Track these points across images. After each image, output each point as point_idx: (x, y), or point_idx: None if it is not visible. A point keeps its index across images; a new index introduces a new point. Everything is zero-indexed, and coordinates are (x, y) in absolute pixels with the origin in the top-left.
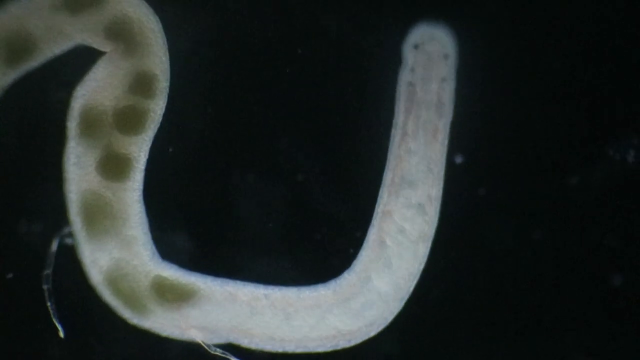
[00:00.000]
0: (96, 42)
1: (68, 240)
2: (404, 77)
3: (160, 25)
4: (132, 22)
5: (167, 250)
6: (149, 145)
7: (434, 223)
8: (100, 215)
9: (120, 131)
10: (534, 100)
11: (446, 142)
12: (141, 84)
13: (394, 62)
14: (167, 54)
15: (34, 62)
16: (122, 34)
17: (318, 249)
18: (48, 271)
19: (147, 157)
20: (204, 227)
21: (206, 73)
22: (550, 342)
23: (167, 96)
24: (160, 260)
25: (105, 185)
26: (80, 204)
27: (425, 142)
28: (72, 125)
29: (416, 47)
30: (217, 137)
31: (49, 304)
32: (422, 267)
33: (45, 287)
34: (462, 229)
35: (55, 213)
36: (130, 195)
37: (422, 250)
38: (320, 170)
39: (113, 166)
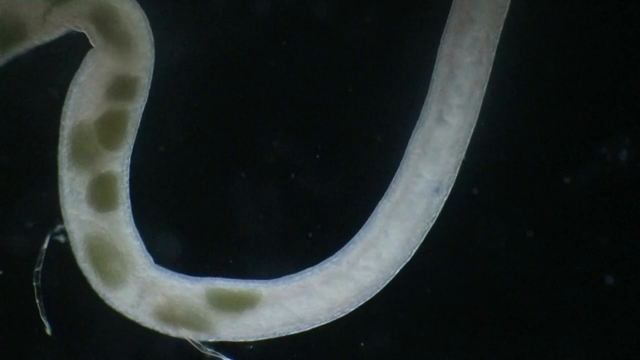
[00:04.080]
0: (86, 30)
1: (60, 238)
2: None
3: (147, 21)
4: (118, 13)
5: (161, 254)
6: (130, 157)
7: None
8: (109, 261)
9: (104, 144)
10: (527, 100)
11: None
12: (122, 86)
13: None
14: (153, 51)
15: (21, 48)
16: (108, 24)
17: (315, 246)
18: (38, 268)
19: (128, 173)
20: (197, 229)
21: (195, 70)
22: (542, 341)
23: (147, 97)
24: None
25: (101, 217)
26: (86, 249)
27: None
28: (63, 150)
29: None
30: (206, 137)
31: (37, 301)
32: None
33: (35, 284)
34: (456, 228)
35: (46, 210)
36: (126, 229)
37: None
38: (313, 166)
39: (102, 192)
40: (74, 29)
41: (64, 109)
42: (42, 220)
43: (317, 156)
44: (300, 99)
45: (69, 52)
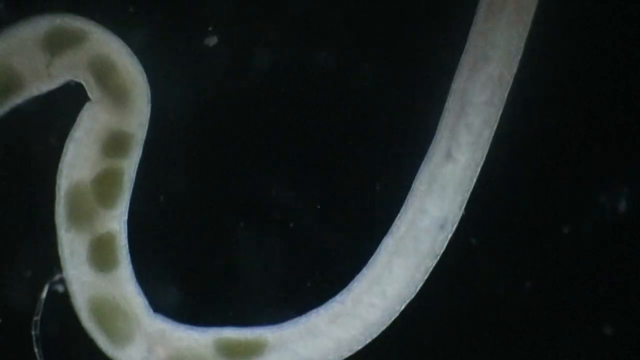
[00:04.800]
0: (84, 80)
1: (58, 287)
2: None
3: (144, 75)
4: (116, 66)
5: (164, 306)
6: (127, 212)
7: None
8: (114, 320)
9: (101, 203)
10: (529, 149)
11: (529, 24)
12: (117, 143)
13: None
14: (149, 107)
15: (20, 98)
16: (106, 76)
17: (315, 292)
18: (37, 317)
19: (127, 228)
20: (198, 279)
21: (194, 119)
22: None
23: (141, 152)
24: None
25: (102, 277)
26: (89, 310)
27: (508, 23)
28: (60, 210)
29: None
30: (205, 187)
31: (36, 350)
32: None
33: (33, 333)
34: (456, 275)
35: (46, 258)
36: (128, 287)
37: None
38: (313, 215)
39: (102, 252)
40: (73, 78)
41: (60, 167)
42: (40, 269)
43: (318, 206)
44: (300, 148)
45: (68, 102)
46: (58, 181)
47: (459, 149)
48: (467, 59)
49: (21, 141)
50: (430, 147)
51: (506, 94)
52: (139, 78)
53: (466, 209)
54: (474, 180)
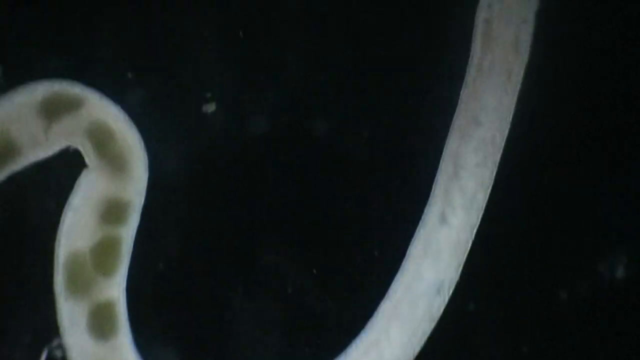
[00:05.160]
0: (82, 146)
1: (57, 353)
2: (481, 15)
3: (142, 143)
4: (114, 133)
5: None
6: (126, 278)
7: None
8: None
9: (99, 272)
10: (526, 213)
11: (519, 85)
12: (115, 210)
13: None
14: (147, 174)
15: (17, 165)
16: (103, 143)
17: (313, 357)
18: None
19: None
20: (197, 345)
21: (190, 184)
22: None
23: (139, 219)
24: None
25: (102, 346)
26: None
27: (498, 85)
28: (59, 278)
29: (488, 5)
30: (203, 253)
31: None
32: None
33: None
34: (453, 339)
35: (45, 324)
36: (127, 355)
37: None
38: (310, 281)
39: (101, 320)
40: (70, 145)
41: (58, 235)
42: (39, 334)
43: (314, 270)
44: (297, 213)
45: (66, 167)
46: (56, 249)
47: (453, 213)
48: (458, 122)
49: (20, 207)
50: (425, 211)
51: (499, 156)
52: (136, 145)
53: (463, 272)
54: (470, 243)
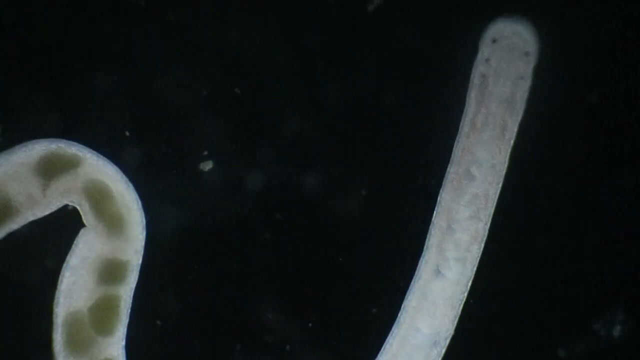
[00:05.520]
0: (79, 205)
1: None
2: (478, 69)
3: (139, 203)
4: (111, 192)
5: None
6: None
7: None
8: None
9: (99, 331)
10: (520, 266)
11: (512, 141)
12: (113, 270)
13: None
14: (144, 233)
15: (15, 225)
16: (101, 202)
17: None
18: None
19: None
20: None
21: (188, 244)
22: None
23: (137, 277)
24: None
25: None
26: None
27: (491, 139)
28: (58, 338)
29: (494, 40)
30: (201, 311)
31: None
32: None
33: None
34: None
35: None
36: None
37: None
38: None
39: None
40: (68, 203)
41: (57, 294)
42: None
43: (310, 324)
44: (293, 269)
45: (64, 225)
46: (55, 309)
47: (447, 266)
48: (451, 177)
49: (18, 265)
50: (419, 263)
51: (492, 210)
52: (133, 205)
53: (459, 325)
54: (465, 296)
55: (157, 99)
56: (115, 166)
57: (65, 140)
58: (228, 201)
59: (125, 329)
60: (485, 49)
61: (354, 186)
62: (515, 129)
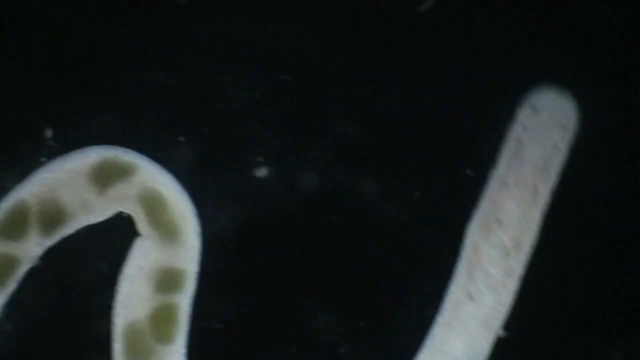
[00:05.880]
0: (134, 213)
1: None
2: (514, 133)
3: (193, 210)
4: (165, 201)
5: None
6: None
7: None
8: None
9: (158, 340)
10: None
11: (543, 207)
12: (170, 279)
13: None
14: (199, 241)
15: (69, 230)
16: (156, 210)
17: None
18: None
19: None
20: None
21: (243, 249)
22: None
23: (195, 285)
24: None
25: None
26: None
27: (523, 198)
28: (117, 347)
29: (534, 108)
30: (256, 315)
31: None
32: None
33: None
34: None
35: None
36: None
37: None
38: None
39: None
40: (122, 210)
41: (115, 305)
42: None
43: (362, 326)
44: (348, 273)
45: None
46: (114, 319)
47: (478, 290)
48: (479, 218)
49: (73, 270)
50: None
51: (523, 258)
52: (188, 213)
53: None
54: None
55: (211, 104)
56: (169, 174)
57: (120, 148)
58: (282, 206)
59: (186, 337)
60: (524, 115)
61: (407, 189)
62: (548, 194)
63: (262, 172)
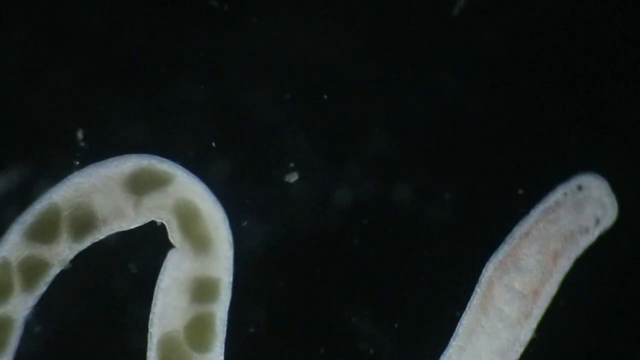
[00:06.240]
0: (167, 222)
1: None
2: (555, 194)
3: (227, 222)
4: (200, 212)
5: None
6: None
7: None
8: None
9: (195, 349)
10: None
11: (562, 273)
12: (205, 288)
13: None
14: (232, 251)
15: (100, 235)
16: (189, 221)
17: None
18: None
19: None
20: None
21: (275, 254)
22: None
23: (231, 294)
24: None
25: None
26: None
27: (541, 255)
28: (153, 355)
29: (580, 187)
30: (290, 319)
31: None
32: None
33: None
34: None
35: None
36: None
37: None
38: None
39: None
40: (155, 220)
41: (151, 316)
42: None
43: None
44: (381, 278)
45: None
46: (150, 329)
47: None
48: (497, 260)
49: (103, 276)
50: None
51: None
52: (221, 224)
53: None
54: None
55: (243, 110)
56: (204, 185)
57: (156, 157)
58: (314, 212)
59: (223, 346)
60: (569, 186)
61: (440, 193)
62: (569, 264)
63: (292, 177)
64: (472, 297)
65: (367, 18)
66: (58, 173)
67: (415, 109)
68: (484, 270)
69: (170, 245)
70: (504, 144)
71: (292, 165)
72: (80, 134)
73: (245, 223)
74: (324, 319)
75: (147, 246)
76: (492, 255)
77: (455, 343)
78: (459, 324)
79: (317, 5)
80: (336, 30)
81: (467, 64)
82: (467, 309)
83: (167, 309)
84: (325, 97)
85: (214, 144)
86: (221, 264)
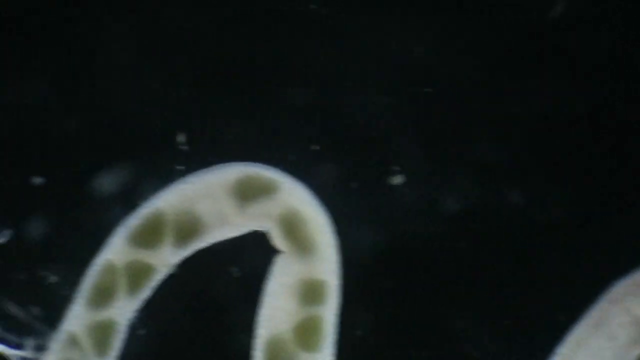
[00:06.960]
0: (270, 230)
1: None
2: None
3: (330, 225)
4: (304, 217)
5: None
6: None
7: None
8: None
9: (304, 348)
10: None
11: None
12: (312, 291)
13: None
14: (337, 253)
15: (203, 242)
16: (294, 227)
17: None
18: None
19: None
20: None
21: (378, 260)
22: None
23: (339, 297)
24: None
25: None
26: None
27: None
28: (259, 356)
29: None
30: (396, 323)
31: None
32: None
33: None
34: None
35: None
36: None
37: None
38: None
39: None
40: (257, 228)
41: (259, 319)
42: None
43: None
44: (487, 283)
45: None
46: (258, 331)
47: None
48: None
49: (208, 281)
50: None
51: None
52: (326, 230)
53: None
54: None
55: (347, 114)
56: (309, 192)
57: (261, 164)
58: (419, 215)
59: (331, 348)
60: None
61: (547, 198)
62: None
63: (397, 179)
64: (588, 311)
65: (472, 20)
66: (160, 176)
67: (521, 113)
68: (612, 287)
69: (274, 250)
70: (628, 146)
71: (397, 168)
72: (182, 138)
73: (350, 227)
74: (429, 323)
75: (250, 250)
76: (626, 275)
77: (560, 351)
78: (569, 334)
79: (422, 5)
80: (444, 33)
81: (576, 67)
82: (580, 320)
83: (275, 313)
84: (428, 94)
85: (317, 147)
86: (327, 267)
